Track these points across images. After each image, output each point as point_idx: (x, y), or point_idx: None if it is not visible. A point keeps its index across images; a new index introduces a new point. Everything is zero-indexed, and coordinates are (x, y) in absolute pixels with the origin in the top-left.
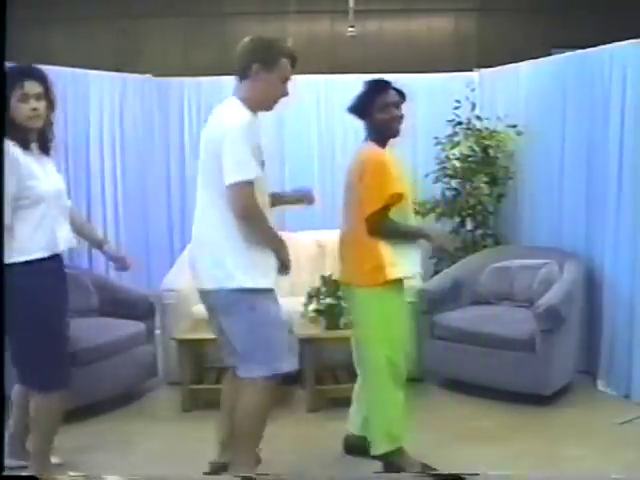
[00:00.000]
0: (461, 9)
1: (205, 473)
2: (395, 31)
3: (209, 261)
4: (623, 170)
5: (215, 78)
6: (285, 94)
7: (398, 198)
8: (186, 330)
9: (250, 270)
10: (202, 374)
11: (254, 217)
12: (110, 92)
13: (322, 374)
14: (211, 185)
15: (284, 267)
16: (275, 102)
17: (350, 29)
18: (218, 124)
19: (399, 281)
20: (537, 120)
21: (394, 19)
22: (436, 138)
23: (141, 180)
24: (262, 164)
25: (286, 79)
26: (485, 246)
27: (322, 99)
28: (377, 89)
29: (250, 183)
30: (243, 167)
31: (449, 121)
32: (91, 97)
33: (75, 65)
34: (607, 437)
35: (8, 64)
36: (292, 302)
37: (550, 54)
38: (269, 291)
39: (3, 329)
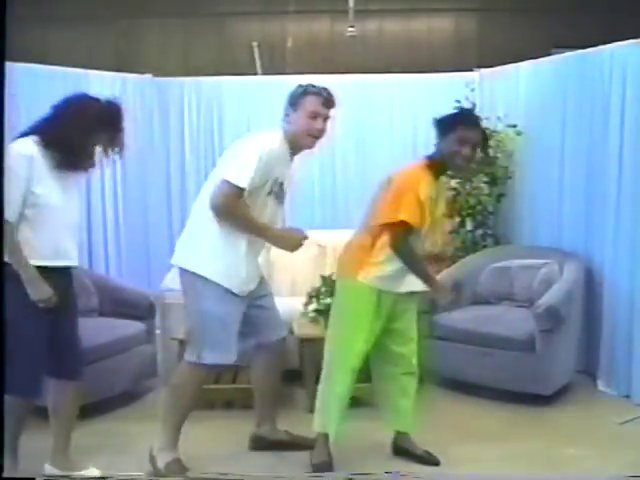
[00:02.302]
0: (461, 9)
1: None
2: (395, 31)
3: (186, 243)
4: (623, 170)
5: (215, 78)
6: (315, 130)
7: (405, 225)
8: (186, 330)
9: (214, 264)
10: None
11: (227, 215)
12: (110, 92)
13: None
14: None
15: (294, 245)
16: (309, 140)
17: (350, 29)
18: (250, 138)
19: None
20: (537, 120)
21: (394, 19)
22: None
23: (141, 180)
24: (274, 195)
25: (314, 114)
26: (485, 246)
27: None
28: (464, 117)
29: (239, 189)
30: (241, 173)
31: None
32: None
33: (75, 65)
34: (607, 437)
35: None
36: (292, 302)
37: (550, 54)
38: (224, 290)
39: (3, 329)
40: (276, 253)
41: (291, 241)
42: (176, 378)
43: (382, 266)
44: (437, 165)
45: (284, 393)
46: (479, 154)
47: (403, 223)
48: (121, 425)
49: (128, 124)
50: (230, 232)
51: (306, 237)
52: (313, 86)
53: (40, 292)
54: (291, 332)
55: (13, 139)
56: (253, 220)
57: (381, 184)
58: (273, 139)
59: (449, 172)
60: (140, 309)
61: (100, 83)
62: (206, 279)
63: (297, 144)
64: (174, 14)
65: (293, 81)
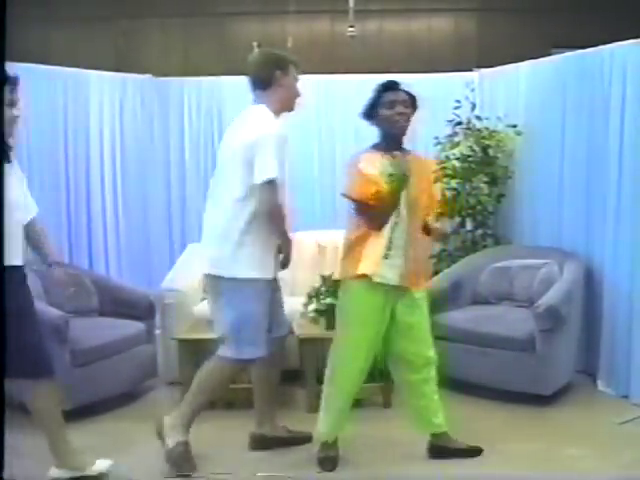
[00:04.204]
0: (461, 9)
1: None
2: (395, 31)
3: (216, 250)
4: (623, 170)
5: (215, 78)
6: (300, 94)
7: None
8: (186, 330)
9: (248, 262)
10: None
11: (277, 214)
12: (110, 92)
13: (322, 374)
14: (233, 186)
15: (286, 262)
16: (295, 102)
17: (350, 29)
18: (249, 130)
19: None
20: (537, 120)
21: (394, 19)
22: (436, 138)
23: (141, 180)
24: (282, 180)
25: (297, 80)
26: (485, 246)
27: (322, 99)
28: (384, 88)
29: (274, 184)
30: (272, 167)
31: (449, 121)
32: (91, 97)
33: (75, 65)
34: (607, 437)
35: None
36: (292, 302)
37: (550, 54)
38: (263, 281)
39: (3, 329)
40: None
41: (290, 249)
42: (207, 374)
43: (377, 258)
44: (382, 141)
45: (284, 393)
46: (413, 113)
47: (352, 199)
48: (121, 425)
49: (128, 124)
50: (255, 223)
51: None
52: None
53: None
54: (291, 332)
55: None
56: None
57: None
58: (273, 122)
59: (403, 146)
60: (140, 309)
61: (100, 83)
62: (247, 280)
63: (282, 112)
64: (174, 14)
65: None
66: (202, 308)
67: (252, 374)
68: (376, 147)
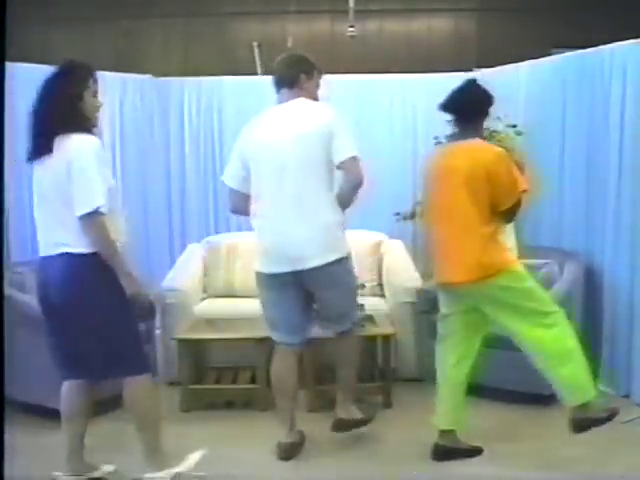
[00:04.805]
0: (461, 9)
1: (280, 457)
2: (395, 31)
3: (317, 239)
4: (623, 170)
5: (215, 78)
6: (318, 100)
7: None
8: (186, 330)
9: (344, 238)
10: (202, 374)
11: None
12: (110, 92)
13: (322, 374)
14: (310, 173)
15: None
16: None
17: (350, 29)
18: (316, 116)
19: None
20: (537, 120)
21: (394, 19)
22: (436, 138)
23: (141, 180)
24: None
25: (318, 87)
26: None
27: (322, 99)
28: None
29: (357, 157)
30: (354, 144)
31: (449, 121)
32: None
33: None
34: (607, 437)
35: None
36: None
37: (550, 54)
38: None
39: (3, 329)
40: None
41: None
42: (354, 348)
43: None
44: (476, 135)
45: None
46: None
47: (524, 192)
48: (121, 425)
49: (128, 124)
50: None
51: None
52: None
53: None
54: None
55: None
56: None
57: (472, 176)
58: (326, 107)
59: None
60: (140, 309)
61: (100, 83)
62: (349, 256)
63: None
64: (174, 14)
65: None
66: (202, 308)
67: (280, 367)
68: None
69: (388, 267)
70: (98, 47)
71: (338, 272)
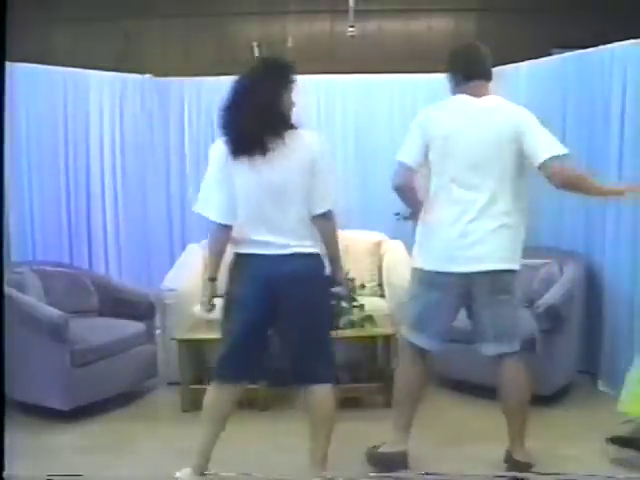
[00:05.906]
0: (461, 9)
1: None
2: (395, 31)
3: (501, 243)
4: (623, 170)
5: (215, 78)
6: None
7: None
8: (186, 330)
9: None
10: (202, 374)
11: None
12: (110, 92)
13: None
14: (500, 173)
15: None
16: None
17: (350, 29)
18: (511, 114)
19: None
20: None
21: (394, 19)
22: None
23: (141, 180)
24: None
25: None
26: None
27: (322, 99)
28: None
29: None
30: (556, 142)
31: None
32: (91, 97)
33: (75, 65)
34: (607, 437)
35: None
36: None
37: (550, 54)
38: None
39: (3, 329)
40: None
41: None
42: (523, 377)
43: None
44: None
45: (285, 394)
46: None
47: None
48: (121, 425)
49: (128, 124)
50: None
51: None
52: None
53: None
54: None
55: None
56: None
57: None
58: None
59: None
60: (140, 309)
61: (100, 83)
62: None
63: None
64: (174, 14)
65: None
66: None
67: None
68: None
69: (388, 267)
70: (98, 47)
71: (511, 282)
